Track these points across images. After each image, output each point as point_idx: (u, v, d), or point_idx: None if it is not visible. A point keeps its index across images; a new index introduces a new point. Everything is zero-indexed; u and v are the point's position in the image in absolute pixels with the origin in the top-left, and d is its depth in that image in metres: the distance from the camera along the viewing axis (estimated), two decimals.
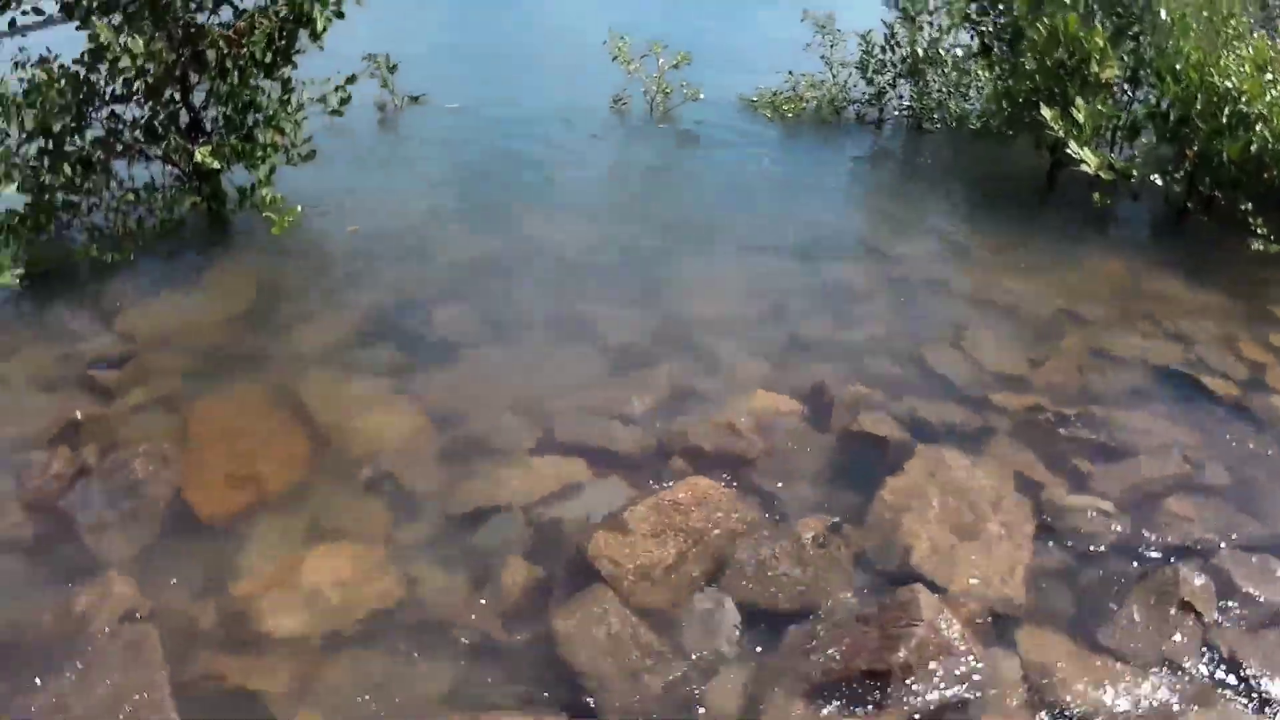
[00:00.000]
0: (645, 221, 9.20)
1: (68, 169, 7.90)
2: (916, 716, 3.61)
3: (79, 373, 6.07)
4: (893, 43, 12.93)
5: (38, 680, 3.75)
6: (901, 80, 13.20)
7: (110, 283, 7.45)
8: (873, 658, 3.69)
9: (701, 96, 13.42)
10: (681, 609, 4.21)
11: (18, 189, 7.62)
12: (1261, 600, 4.29)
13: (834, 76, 13.74)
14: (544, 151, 11.65)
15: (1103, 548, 4.63)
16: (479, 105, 13.80)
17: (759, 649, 4.02)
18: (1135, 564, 4.52)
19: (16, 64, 7.84)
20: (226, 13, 8.49)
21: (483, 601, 4.30)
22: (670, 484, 4.88)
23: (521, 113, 13.48)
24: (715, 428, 5.45)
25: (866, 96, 13.48)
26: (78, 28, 7.91)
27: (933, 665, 3.71)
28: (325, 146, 9.29)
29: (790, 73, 13.80)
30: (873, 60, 13.07)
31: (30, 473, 5.02)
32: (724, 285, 7.54)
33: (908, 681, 3.67)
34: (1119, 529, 4.74)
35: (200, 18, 8.24)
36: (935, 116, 12.97)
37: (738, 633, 4.08)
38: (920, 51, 12.63)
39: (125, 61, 7.66)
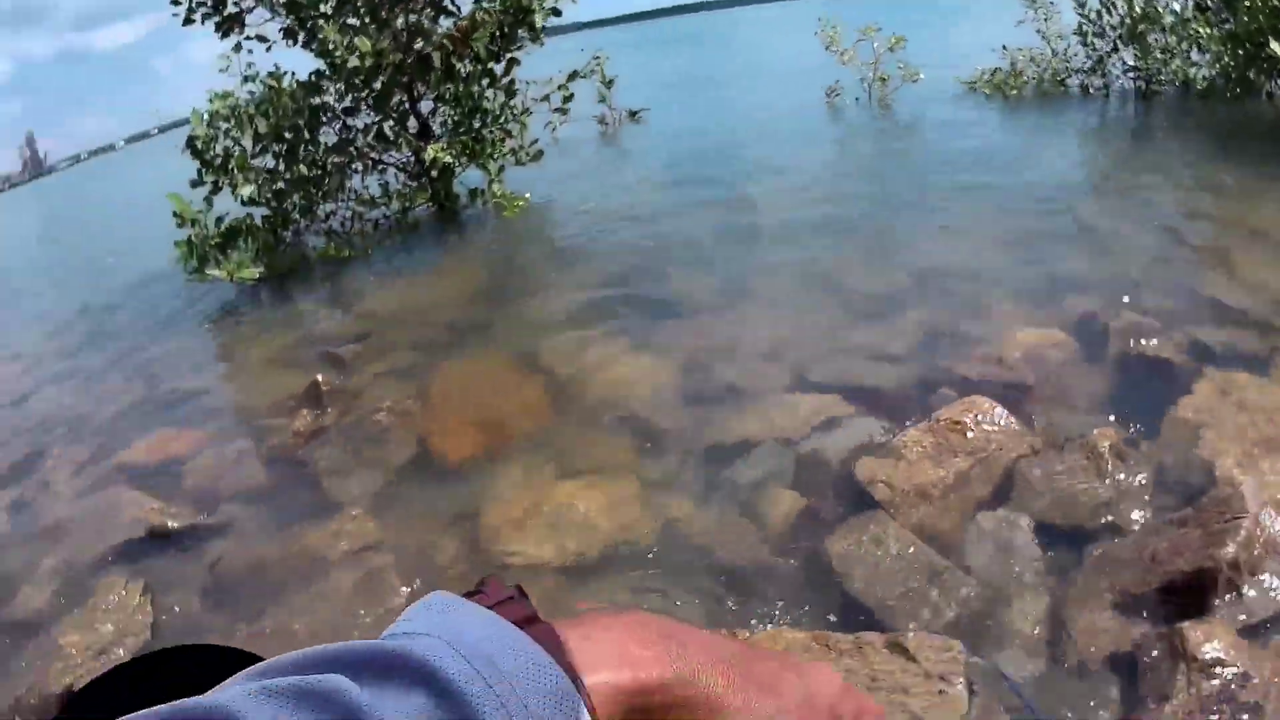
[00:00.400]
0: (873, 195, 8.96)
1: (303, 169, 8.39)
2: (1248, 622, 3.18)
3: (319, 350, 6.31)
4: (1109, 4, 12.21)
5: (272, 605, 3.80)
6: (1122, 44, 12.44)
7: (346, 276, 7.79)
8: (1196, 556, 3.26)
9: (921, 78, 13.07)
10: (968, 530, 3.90)
11: (252, 195, 8.13)
12: None
13: (1051, 49, 13.12)
14: (760, 146, 11.59)
15: None
16: (696, 118, 13.96)
17: (1061, 567, 3.67)
18: None
19: (246, 78, 8.41)
20: (445, 22, 8.89)
21: (749, 529, 4.11)
22: (941, 411, 4.57)
23: (737, 118, 13.53)
24: (982, 360, 5.10)
25: (1088, 65, 12.79)
26: (304, 40, 8.41)
27: (1264, 563, 3.27)
28: (551, 154, 9.53)
29: (1005, 48, 13.28)
30: (1091, 26, 12.39)
31: (272, 433, 5.21)
32: (969, 238, 7.19)
33: (1237, 583, 3.24)
34: None
35: (423, 20, 8.64)
36: (1161, 78, 12.14)
37: (1037, 551, 3.74)
38: (1139, 10, 11.86)
39: (354, 62, 8.08)
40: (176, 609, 3.93)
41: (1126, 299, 5.71)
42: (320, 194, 8.66)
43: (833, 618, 3.55)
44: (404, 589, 3.83)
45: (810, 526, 4.07)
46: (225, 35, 8.50)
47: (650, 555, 3.98)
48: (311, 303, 7.48)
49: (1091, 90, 12.83)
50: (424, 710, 0.48)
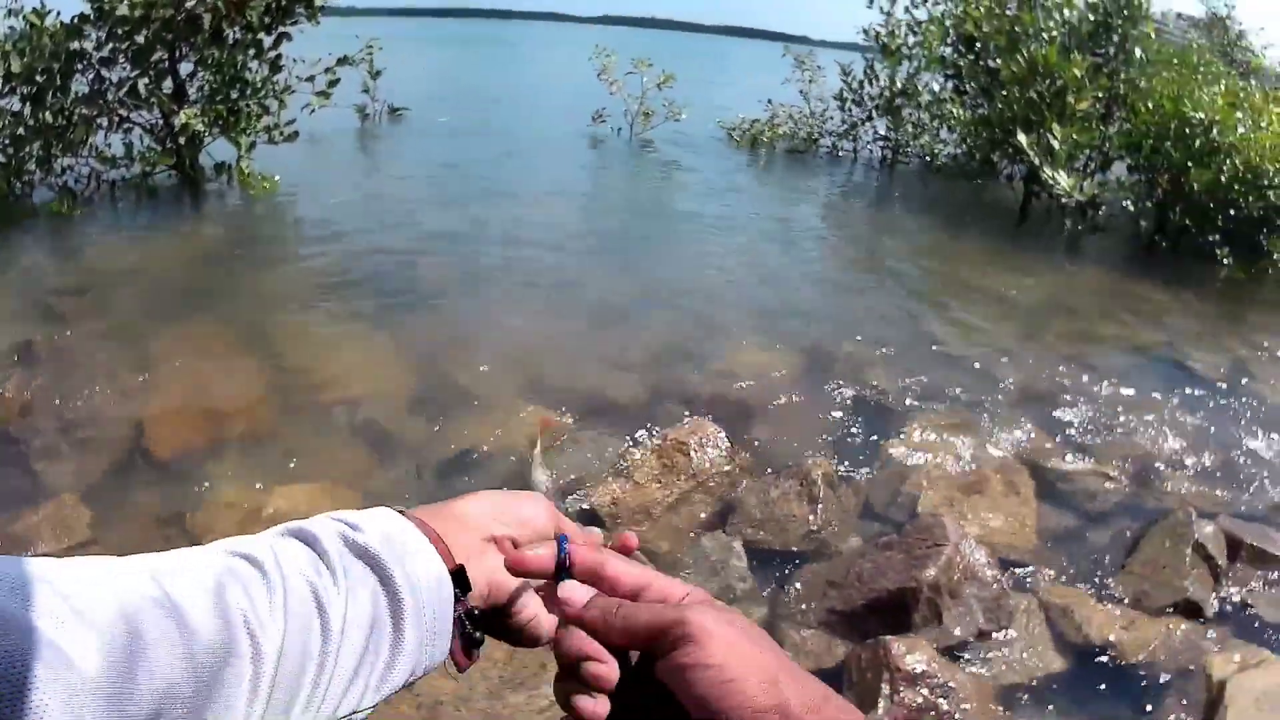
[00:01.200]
0: (618, 212, 9.23)
1: (48, 117, 7.67)
2: (947, 642, 3.42)
3: (35, 302, 5.81)
4: (871, 75, 13.13)
5: None
6: (877, 114, 13.40)
7: (75, 233, 7.26)
8: (900, 577, 3.50)
9: (683, 116, 13.54)
10: (688, 551, 4.00)
11: None
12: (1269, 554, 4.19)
13: (810, 109, 13.93)
14: (521, 159, 11.68)
15: (1107, 508, 4.53)
16: (460, 124, 13.83)
17: (774, 586, 3.83)
18: (1138, 522, 4.41)
19: (10, 11, 7.63)
20: None
21: None
22: (669, 431, 4.68)
23: (502, 130, 13.55)
24: (712, 378, 5.31)
25: (842, 129, 13.66)
26: None
27: (963, 588, 3.53)
28: (306, 138, 9.18)
29: (770, 101, 13.98)
30: (852, 93, 13.26)
31: None
32: (710, 265, 7.51)
33: (938, 604, 3.48)
34: (1120, 493, 4.65)
35: None
36: (908, 150, 13.16)
37: (749, 571, 3.88)
38: (899, 85, 12.83)
39: (123, 10, 7.48)
40: None
41: (854, 337, 6.10)
42: (60, 146, 7.89)
43: None
44: None
45: None
46: None
47: None
48: (34, 256, 6.90)
49: (840, 153, 13.74)
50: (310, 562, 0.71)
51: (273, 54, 8.76)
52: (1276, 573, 4.03)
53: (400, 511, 0.78)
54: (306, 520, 0.74)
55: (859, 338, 6.10)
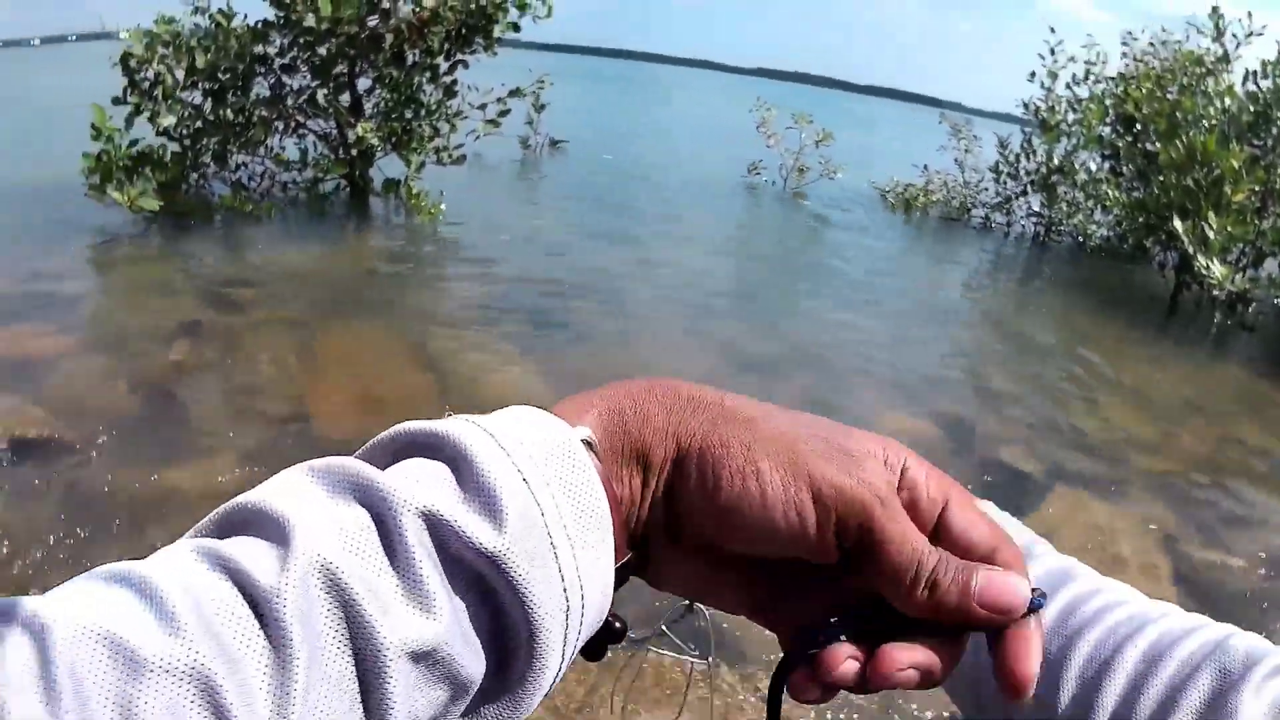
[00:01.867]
0: (767, 263, 9.32)
1: (229, 114, 8.22)
2: None
3: (206, 288, 6.20)
4: (1028, 150, 13.01)
5: (127, 539, 3.66)
6: (1033, 189, 13.24)
7: (246, 230, 7.69)
8: None
9: (838, 175, 13.64)
10: None
11: (170, 128, 7.93)
12: None
13: (965, 179, 13.86)
14: (677, 202, 11.92)
15: (1242, 600, 4.44)
16: (618, 161, 14.21)
17: None
18: (1275, 620, 4.31)
19: (196, 8, 8.22)
20: (406, 7, 8.89)
21: None
22: None
23: (658, 170, 13.84)
24: None
25: (995, 201, 13.55)
26: None
27: None
28: (472, 164, 9.59)
29: (925, 167, 13.97)
30: (1008, 166, 13.15)
31: (145, 357, 5.09)
32: (855, 326, 7.54)
33: None
34: (1257, 586, 4.55)
35: (385, 1, 8.63)
36: (1061, 229, 12.95)
37: None
38: (1055, 162, 12.67)
39: (309, 21, 8.00)
40: (26, 527, 3.75)
41: (993, 412, 6.08)
42: (238, 144, 8.49)
43: None
44: None
45: None
46: None
47: None
48: (206, 246, 7.34)
49: (993, 225, 13.59)
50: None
51: (448, 79, 9.23)
52: None
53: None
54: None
55: (998, 414, 6.07)
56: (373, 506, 0.41)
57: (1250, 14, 10.93)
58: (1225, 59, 11.01)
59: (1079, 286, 11.28)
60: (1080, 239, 12.63)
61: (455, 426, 0.46)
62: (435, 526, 0.41)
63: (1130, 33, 12.16)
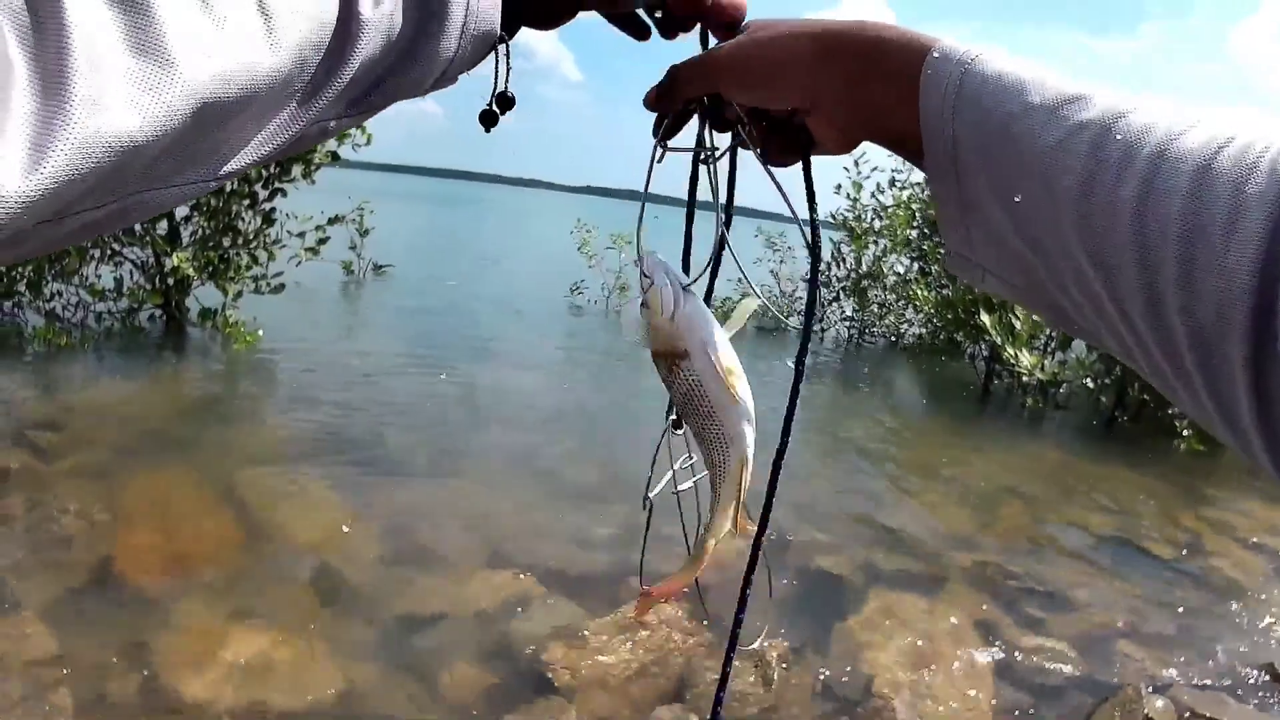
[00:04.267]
0: (588, 387, 9.43)
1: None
2: None
3: (13, 429, 5.91)
4: (838, 258, 13.69)
5: None
6: (845, 295, 13.90)
7: (58, 363, 7.39)
8: None
9: None
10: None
11: None
12: None
13: (780, 289, 14.43)
14: (500, 324, 12.01)
15: (1061, 684, 4.62)
16: (441, 285, 14.21)
17: None
18: (1092, 697, 4.49)
19: None
20: None
21: (428, 703, 4.06)
22: (627, 605, 4.77)
23: (482, 292, 13.91)
24: (672, 558, 5.37)
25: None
26: None
27: None
28: (291, 291, 9.43)
29: (740, 280, 14.45)
30: (821, 275, 13.78)
31: None
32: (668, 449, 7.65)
33: None
34: (1074, 668, 4.75)
35: None
36: (874, 330, 13.60)
37: None
38: (865, 268, 13.38)
39: None
40: None
41: (811, 518, 6.22)
42: (53, 272, 8.11)
43: None
44: (70, 710, 3.59)
45: (491, 706, 4.08)
46: None
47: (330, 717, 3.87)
48: (17, 381, 6.98)
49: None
50: None
51: (267, 205, 9.10)
52: None
53: None
54: None
55: (816, 519, 6.24)
56: None
57: None
58: None
59: (894, 383, 11.85)
60: (894, 338, 13.29)
61: None
62: None
63: None
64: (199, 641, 4.13)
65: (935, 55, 0.69)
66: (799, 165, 0.89)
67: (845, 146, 0.84)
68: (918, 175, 13.09)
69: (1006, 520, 6.73)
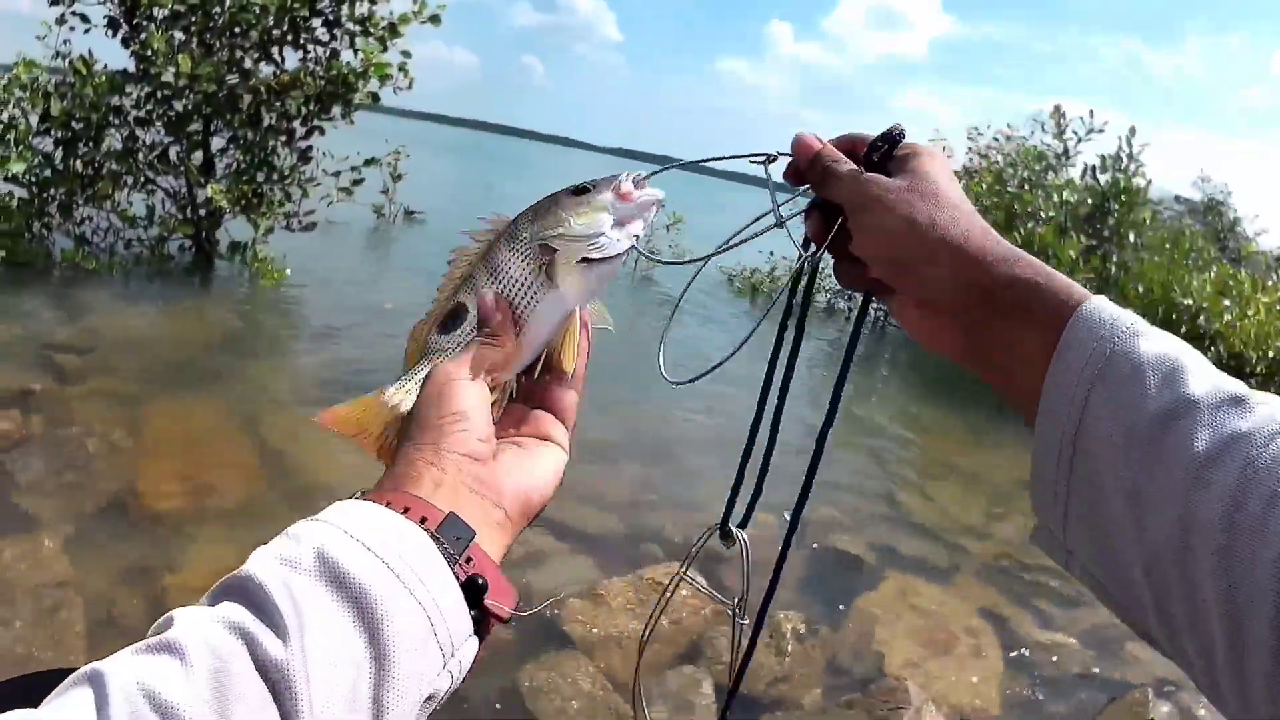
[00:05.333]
0: (612, 348, 9.33)
1: (78, 165, 7.88)
2: None
3: (38, 351, 5.93)
4: None
5: None
6: None
7: (86, 288, 7.39)
8: None
9: (687, 258, 13.90)
10: (655, 684, 4.02)
11: (23, 174, 7.56)
12: None
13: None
14: None
15: (1070, 679, 4.59)
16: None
17: None
18: (1101, 695, 4.47)
19: (58, 54, 7.89)
20: (266, 70, 8.69)
21: None
22: (645, 569, 4.76)
23: None
24: (689, 526, 5.37)
25: (838, 286, 13.99)
26: (125, 39, 8.01)
27: None
28: (320, 231, 9.40)
29: (772, 253, 14.34)
30: None
31: None
32: (696, 411, 7.61)
33: None
34: (1084, 665, 4.72)
35: (246, 61, 8.41)
36: None
37: (713, 713, 3.90)
38: None
39: (168, 76, 7.74)
40: None
41: (829, 499, 6.19)
42: (85, 196, 8.10)
43: None
44: (82, 634, 3.59)
45: (507, 656, 4.09)
46: (54, 2, 8.00)
47: None
48: (42, 303, 7.01)
49: (836, 308, 14.03)
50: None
51: (304, 144, 9.05)
52: None
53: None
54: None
55: (834, 500, 6.20)
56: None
57: (1091, 112, 11.74)
58: (1066, 154, 11.75)
59: (917, 371, 11.73)
60: None
61: (313, 541, 0.64)
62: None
63: (976, 128, 12.89)
64: (212, 570, 4.14)
65: (1081, 315, 0.65)
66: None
67: (918, 335, 0.82)
68: (957, 163, 12.93)
69: (1024, 513, 6.68)
